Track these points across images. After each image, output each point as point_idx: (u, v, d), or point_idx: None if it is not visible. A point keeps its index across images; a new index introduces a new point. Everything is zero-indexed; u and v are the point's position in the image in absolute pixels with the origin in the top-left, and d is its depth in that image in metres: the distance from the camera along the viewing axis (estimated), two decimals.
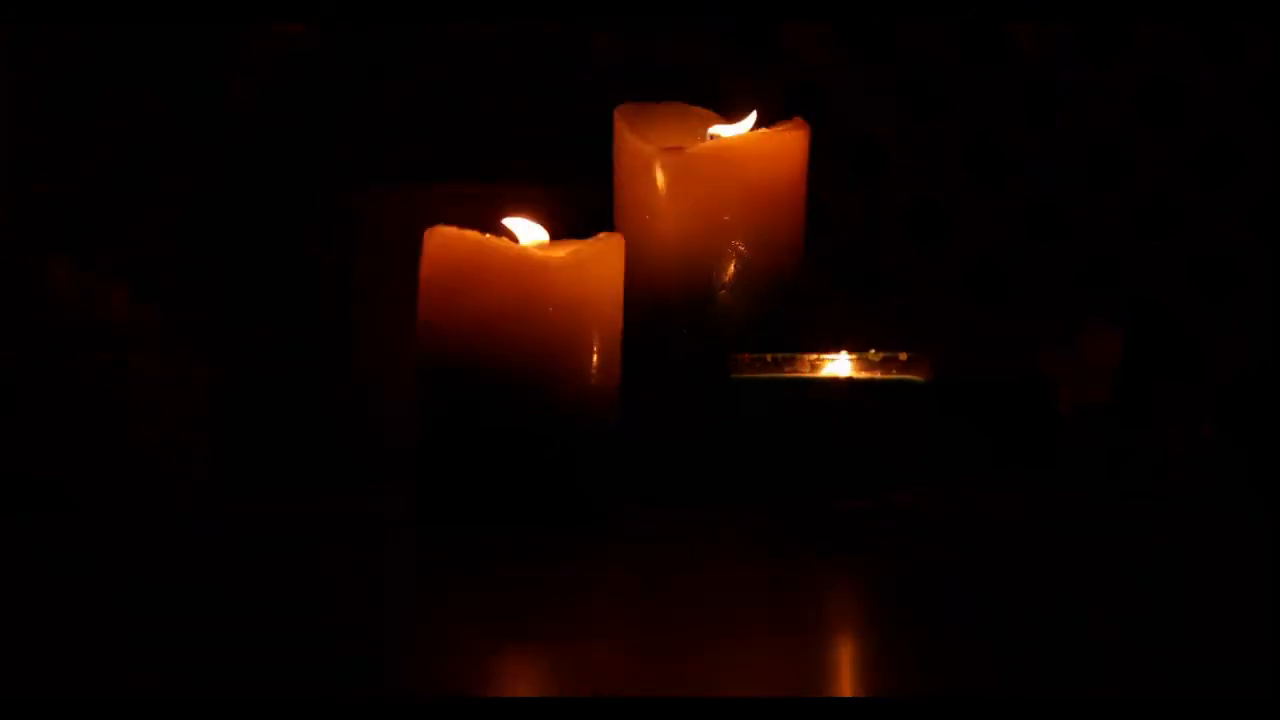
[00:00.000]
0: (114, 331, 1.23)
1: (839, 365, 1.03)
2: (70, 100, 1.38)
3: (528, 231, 1.08)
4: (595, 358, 1.06)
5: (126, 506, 1.18)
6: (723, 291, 1.15)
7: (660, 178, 1.15)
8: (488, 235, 1.05)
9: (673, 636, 0.77)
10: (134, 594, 0.86)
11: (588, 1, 1.45)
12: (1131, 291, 1.47)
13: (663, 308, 1.15)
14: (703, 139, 1.19)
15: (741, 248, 1.15)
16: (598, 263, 1.07)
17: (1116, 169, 1.48)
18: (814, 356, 1.04)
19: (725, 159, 1.16)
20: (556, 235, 1.09)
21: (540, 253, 1.07)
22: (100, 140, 1.38)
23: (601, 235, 1.08)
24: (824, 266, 1.48)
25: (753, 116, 1.18)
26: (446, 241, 1.05)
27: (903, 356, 1.03)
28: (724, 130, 1.19)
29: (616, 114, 1.18)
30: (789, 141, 1.17)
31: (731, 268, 1.15)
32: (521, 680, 0.69)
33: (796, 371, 1.04)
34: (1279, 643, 0.73)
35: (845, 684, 0.69)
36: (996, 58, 1.49)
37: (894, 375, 1.03)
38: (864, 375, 1.03)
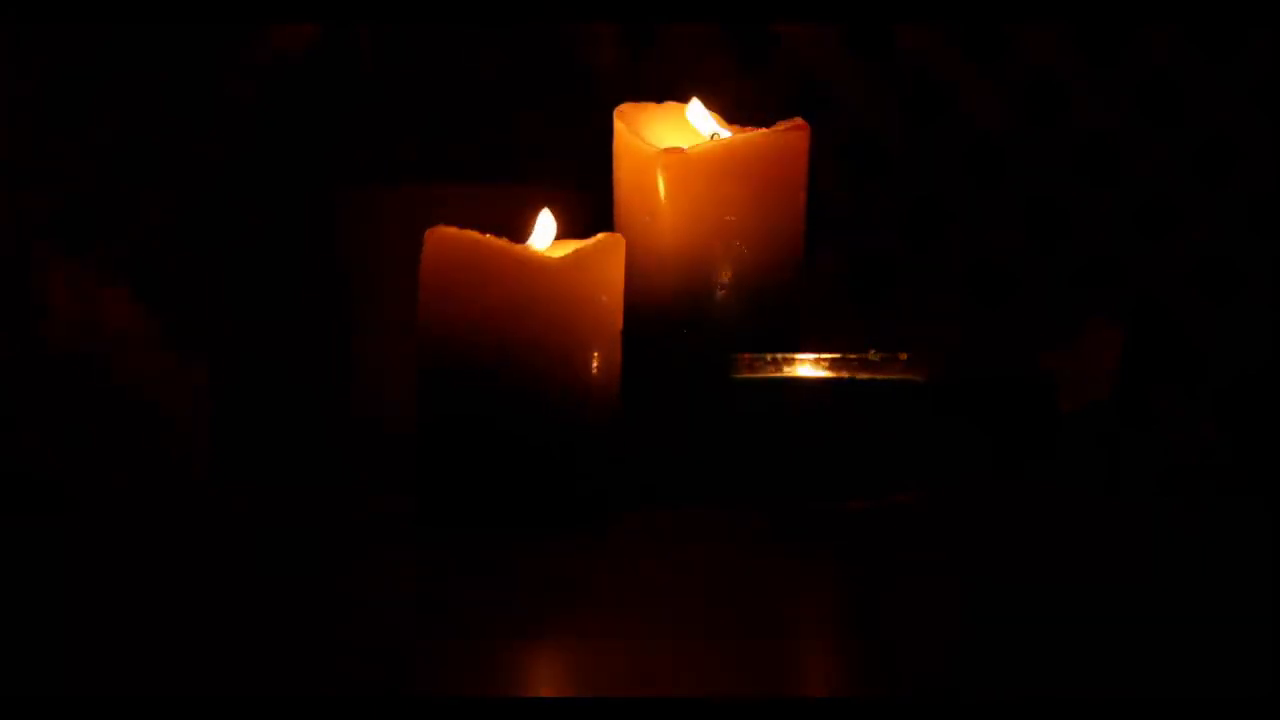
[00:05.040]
0: (114, 331, 1.23)
1: (839, 365, 1.03)
2: (70, 100, 1.38)
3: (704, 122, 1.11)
4: (595, 358, 1.06)
5: (126, 506, 1.18)
6: (723, 292, 1.15)
7: (660, 178, 1.15)
8: (488, 235, 1.05)
9: (672, 636, 0.77)
10: (134, 594, 0.86)
11: (588, 1, 1.45)
12: (1131, 291, 1.47)
13: (663, 308, 1.15)
14: (703, 139, 1.19)
15: (742, 248, 1.15)
16: (598, 263, 1.07)
17: (1116, 169, 1.48)
18: (814, 356, 1.04)
19: (725, 159, 1.16)
20: (556, 235, 1.10)
21: (540, 253, 1.07)
22: (100, 140, 1.38)
23: (601, 235, 1.08)
24: (824, 266, 1.48)
25: (697, 106, 1.19)
26: (446, 241, 1.05)
27: (903, 356, 1.03)
28: (697, 119, 1.19)
29: (616, 114, 1.18)
30: (789, 141, 1.17)
31: (731, 268, 1.15)
32: (521, 680, 0.69)
33: (796, 371, 1.04)
34: (1279, 643, 0.73)
35: (845, 684, 0.69)
36: (996, 57, 1.49)
37: (894, 375, 1.03)
38: (864, 375, 1.03)
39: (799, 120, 1.17)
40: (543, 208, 1.09)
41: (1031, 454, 1.35)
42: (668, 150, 1.15)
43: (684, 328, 1.15)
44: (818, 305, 1.29)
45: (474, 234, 1.05)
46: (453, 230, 1.05)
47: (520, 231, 1.09)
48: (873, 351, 1.03)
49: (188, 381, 1.27)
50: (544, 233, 1.09)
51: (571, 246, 1.07)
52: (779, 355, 1.04)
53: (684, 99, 1.22)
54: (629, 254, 1.09)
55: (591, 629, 0.79)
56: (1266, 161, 1.46)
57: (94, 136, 1.37)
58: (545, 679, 0.69)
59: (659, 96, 1.21)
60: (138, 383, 1.23)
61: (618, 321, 1.08)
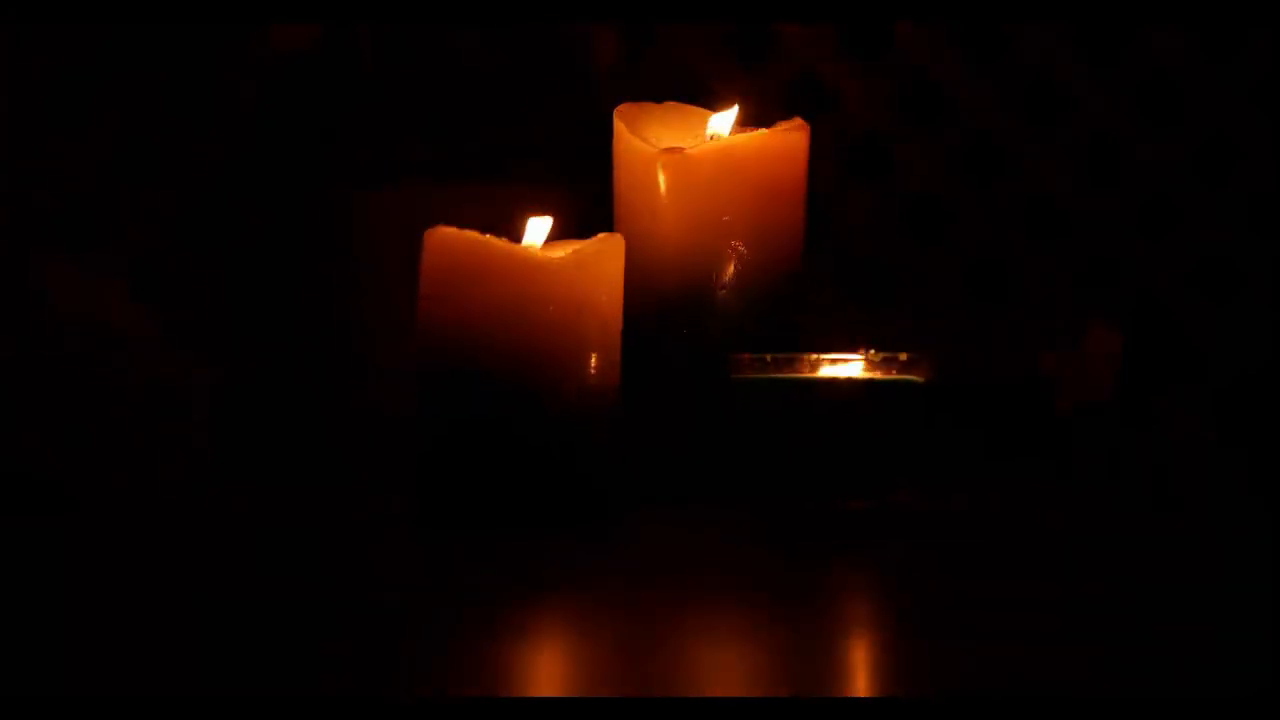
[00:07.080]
0: (114, 331, 1.23)
1: (839, 365, 1.03)
2: (70, 100, 1.38)
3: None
4: (595, 358, 1.06)
5: (126, 506, 1.18)
6: (723, 291, 1.15)
7: (660, 178, 1.15)
8: (488, 235, 1.05)
9: (672, 636, 0.77)
10: (134, 594, 0.86)
11: (588, 1, 1.45)
12: (1131, 291, 1.47)
13: (663, 308, 1.15)
14: (703, 139, 1.19)
15: (741, 248, 1.15)
16: (598, 263, 1.07)
17: (1116, 169, 1.48)
18: (814, 356, 1.04)
19: (725, 159, 1.16)
20: (556, 235, 1.10)
21: (540, 253, 1.07)
22: (99, 140, 1.38)
23: (601, 235, 1.08)
24: (824, 266, 1.48)
25: (735, 110, 1.18)
26: (446, 241, 1.05)
27: (903, 356, 1.03)
28: (720, 125, 1.18)
29: (616, 114, 1.18)
30: (789, 141, 1.17)
31: (731, 268, 1.15)
32: (521, 680, 0.69)
33: (796, 371, 1.04)
34: (1279, 643, 0.73)
35: (845, 684, 0.69)
36: (996, 57, 1.49)
37: (894, 375, 1.03)
38: (864, 375, 1.03)
39: (799, 120, 1.17)
40: (536, 213, 1.09)
41: (1031, 454, 1.35)
42: (668, 150, 1.15)
43: (684, 328, 1.15)
44: (818, 305, 1.29)
45: (474, 234, 1.05)
46: (453, 230, 1.05)
47: (520, 231, 1.09)
48: (873, 351, 1.03)
49: (188, 381, 1.27)
50: (537, 232, 1.09)
51: (571, 246, 1.07)
52: (779, 355, 1.04)
53: (684, 99, 1.22)
54: (629, 254, 1.09)
55: (592, 629, 0.79)
56: (1266, 161, 1.46)
57: (94, 136, 1.37)
58: (545, 679, 0.69)
59: (659, 96, 1.21)
60: (138, 382, 1.23)
61: (618, 321, 1.08)
